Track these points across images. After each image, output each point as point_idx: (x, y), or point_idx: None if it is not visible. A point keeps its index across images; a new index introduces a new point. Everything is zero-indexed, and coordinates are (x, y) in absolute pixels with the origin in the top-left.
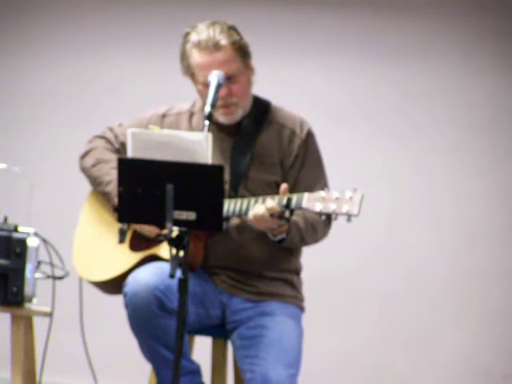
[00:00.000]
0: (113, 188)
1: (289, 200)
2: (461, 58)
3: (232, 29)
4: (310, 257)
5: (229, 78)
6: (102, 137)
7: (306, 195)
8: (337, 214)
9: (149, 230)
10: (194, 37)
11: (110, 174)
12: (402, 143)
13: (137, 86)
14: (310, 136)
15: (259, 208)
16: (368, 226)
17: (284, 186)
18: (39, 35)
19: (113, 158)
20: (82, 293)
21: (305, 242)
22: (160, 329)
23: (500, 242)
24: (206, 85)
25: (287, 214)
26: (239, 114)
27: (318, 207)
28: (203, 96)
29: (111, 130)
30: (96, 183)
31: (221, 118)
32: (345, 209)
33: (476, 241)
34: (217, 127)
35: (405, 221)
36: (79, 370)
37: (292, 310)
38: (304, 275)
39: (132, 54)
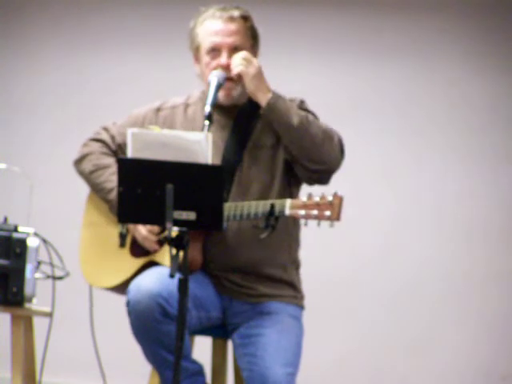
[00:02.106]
0: (114, 197)
1: (272, 207)
2: (461, 57)
3: (247, 11)
4: (312, 258)
5: (233, 51)
6: (97, 140)
7: (288, 202)
8: (320, 220)
9: (144, 236)
10: (209, 11)
11: (111, 181)
12: (402, 143)
13: (136, 85)
14: (303, 103)
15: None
16: (368, 226)
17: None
18: (38, 35)
19: (111, 163)
20: (91, 294)
21: (296, 115)
22: (163, 335)
23: (500, 242)
24: (211, 53)
25: (273, 220)
26: (237, 91)
27: (301, 214)
28: (206, 72)
29: (107, 130)
30: (97, 190)
31: (220, 97)
32: (327, 214)
33: (476, 242)
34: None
35: (405, 221)
36: (79, 370)
37: (292, 310)
38: (305, 276)
39: (131, 54)
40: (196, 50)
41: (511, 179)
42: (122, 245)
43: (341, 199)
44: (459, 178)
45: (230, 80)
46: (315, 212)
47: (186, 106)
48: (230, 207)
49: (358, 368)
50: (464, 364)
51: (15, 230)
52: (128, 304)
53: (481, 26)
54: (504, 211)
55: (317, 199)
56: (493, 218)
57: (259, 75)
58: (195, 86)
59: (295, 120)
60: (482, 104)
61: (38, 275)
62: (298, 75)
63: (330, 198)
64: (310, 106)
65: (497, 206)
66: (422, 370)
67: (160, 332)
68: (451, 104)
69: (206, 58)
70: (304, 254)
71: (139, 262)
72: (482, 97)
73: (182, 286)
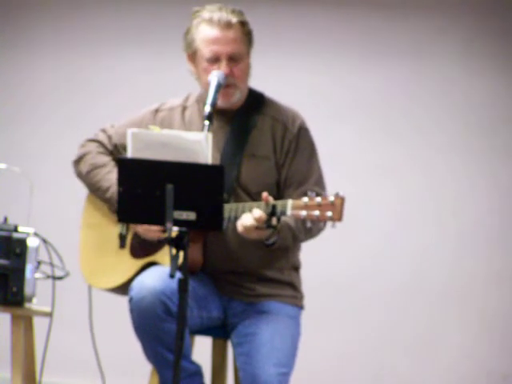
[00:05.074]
0: (111, 194)
1: (274, 207)
2: (462, 57)
3: (242, 13)
4: (312, 259)
5: (232, 58)
6: (94, 140)
7: (289, 202)
8: (320, 221)
9: (146, 228)
10: (205, 14)
11: (108, 180)
12: (403, 142)
13: (135, 85)
14: (301, 131)
15: (247, 219)
16: (368, 226)
17: (265, 195)
18: (38, 35)
19: (107, 162)
20: (90, 295)
21: (299, 239)
22: (165, 333)
23: (502, 243)
24: (210, 62)
25: (274, 221)
26: (236, 96)
27: (303, 215)
28: (203, 76)
29: (104, 131)
30: (94, 189)
31: (218, 100)
32: (328, 214)
33: (478, 242)
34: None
35: (405, 221)
36: (79, 370)
37: (290, 310)
38: (305, 277)
39: (130, 54)
40: (193, 53)
41: (511, 178)
42: (122, 246)
43: (343, 200)
44: (460, 178)
45: (230, 86)
46: (317, 213)
47: (184, 108)
48: (231, 208)
49: (359, 368)
50: (465, 363)
51: (15, 230)
52: (131, 301)
53: (481, 26)
54: (505, 211)
55: (318, 200)
56: (494, 218)
57: (259, 238)
58: (194, 87)
59: (296, 242)
60: (483, 103)
61: (37, 275)
62: (300, 75)
63: (332, 199)
64: (310, 106)
65: (497, 206)
66: (423, 369)
67: (161, 330)
68: (451, 103)
69: (204, 64)
70: (304, 253)
71: (140, 262)
72: (482, 96)
73: (182, 286)
